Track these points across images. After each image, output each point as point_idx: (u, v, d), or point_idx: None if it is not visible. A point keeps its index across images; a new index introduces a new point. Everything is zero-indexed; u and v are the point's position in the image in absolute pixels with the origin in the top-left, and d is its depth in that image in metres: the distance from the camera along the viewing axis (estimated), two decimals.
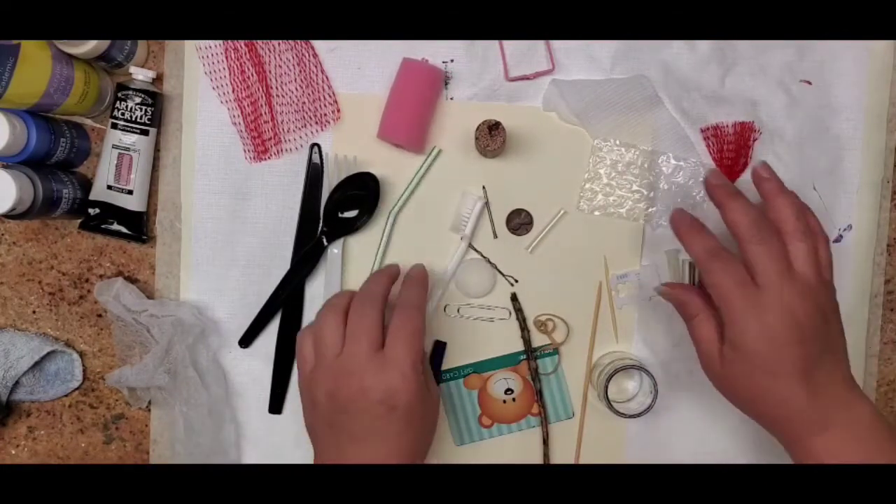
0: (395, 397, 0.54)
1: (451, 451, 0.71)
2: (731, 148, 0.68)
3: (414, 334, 0.57)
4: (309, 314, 0.70)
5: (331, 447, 0.57)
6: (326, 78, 0.68)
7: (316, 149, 0.69)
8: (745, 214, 0.54)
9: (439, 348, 0.69)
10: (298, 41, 0.68)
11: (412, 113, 0.66)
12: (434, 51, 0.68)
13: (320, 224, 0.69)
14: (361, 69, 0.68)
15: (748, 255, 0.54)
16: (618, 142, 0.69)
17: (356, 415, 0.55)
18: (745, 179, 0.69)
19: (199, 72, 0.68)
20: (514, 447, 0.71)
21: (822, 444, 0.52)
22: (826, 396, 0.53)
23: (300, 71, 0.68)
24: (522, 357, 0.70)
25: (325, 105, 0.68)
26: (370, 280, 0.62)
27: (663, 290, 0.60)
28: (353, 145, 0.69)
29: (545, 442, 0.70)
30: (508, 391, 0.70)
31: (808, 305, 0.53)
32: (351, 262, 0.70)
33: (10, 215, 0.61)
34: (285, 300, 0.69)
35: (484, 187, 0.69)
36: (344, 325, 0.58)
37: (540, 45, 0.68)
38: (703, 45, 0.68)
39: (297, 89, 0.68)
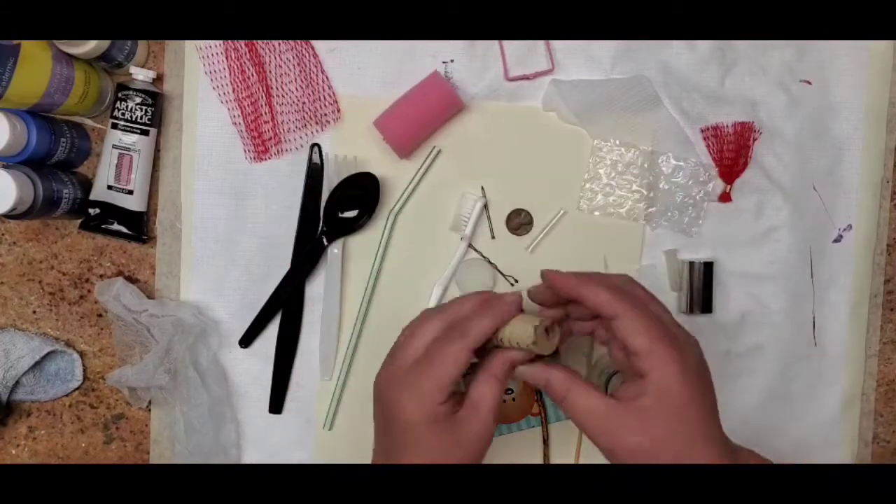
0: (393, 409, 0.50)
1: None
2: (731, 148, 0.68)
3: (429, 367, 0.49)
4: (309, 314, 0.70)
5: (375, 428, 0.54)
6: (326, 78, 0.68)
7: (316, 149, 0.69)
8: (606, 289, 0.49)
9: None
10: (298, 41, 0.68)
11: (413, 122, 0.66)
12: (434, 51, 0.68)
13: (320, 224, 0.69)
14: (361, 69, 0.68)
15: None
16: (618, 142, 0.69)
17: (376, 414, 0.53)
18: (744, 179, 0.69)
19: (199, 72, 0.68)
20: (514, 447, 0.71)
21: None
22: None
23: (300, 71, 0.68)
24: None
25: (325, 105, 0.68)
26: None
27: (519, 371, 0.51)
28: (353, 145, 0.69)
29: (545, 442, 0.70)
30: (508, 391, 0.70)
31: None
32: (351, 262, 0.70)
33: (11, 215, 0.61)
34: (285, 300, 0.69)
35: (483, 187, 0.69)
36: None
37: (540, 45, 0.68)
38: (703, 45, 0.68)
39: (297, 89, 0.68)
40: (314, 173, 0.69)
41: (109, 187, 0.67)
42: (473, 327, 0.49)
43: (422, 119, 0.66)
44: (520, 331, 0.50)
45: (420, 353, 0.50)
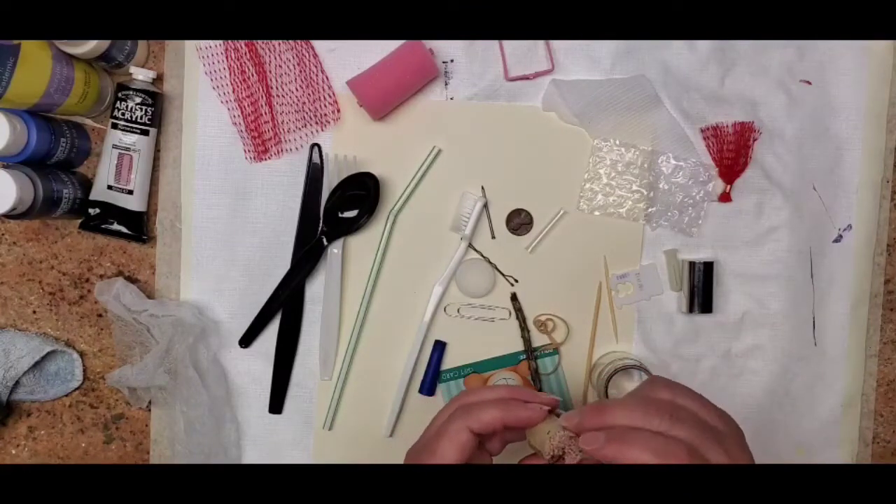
0: None
1: None
2: (731, 148, 0.68)
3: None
4: (309, 314, 0.70)
5: None
6: (326, 78, 0.68)
7: (316, 149, 0.69)
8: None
9: (438, 348, 0.69)
10: (298, 41, 0.68)
11: (386, 83, 0.66)
12: (434, 51, 0.68)
13: (320, 224, 0.69)
14: (361, 69, 0.68)
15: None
16: (618, 142, 0.69)
17: None
18: (744, 179, 0.69)
19: (199, 72, 0.68)
20: (514, 447, 0.71)
21: None
22: None
23: (300, 71, 0.68)
24: (522, 357, 0.70)
25: (325, 105, 0.68)
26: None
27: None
28: (353, 145, 0.69)
29: None
30: None
31: None
32: (351, 262, 0.70)
33: (11, 215, 0.61)
34: (285, 300, 0.69)
35: (483, 187, 0.69)
36: None
37: (540, 45, 0.68)
38: (703, 45, 0.68)
39: (297, 89, 0.68)
40: (314, 173, 0.69)
41: (109, 187, 0.67)
42: (480, 412, 0.49)
43: (396, 81, 0.66)
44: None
45: (432, 432, 0.51)
